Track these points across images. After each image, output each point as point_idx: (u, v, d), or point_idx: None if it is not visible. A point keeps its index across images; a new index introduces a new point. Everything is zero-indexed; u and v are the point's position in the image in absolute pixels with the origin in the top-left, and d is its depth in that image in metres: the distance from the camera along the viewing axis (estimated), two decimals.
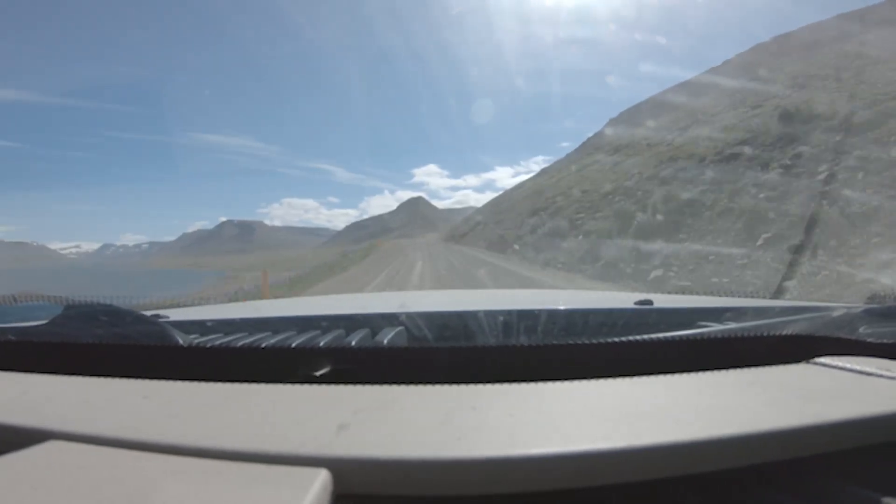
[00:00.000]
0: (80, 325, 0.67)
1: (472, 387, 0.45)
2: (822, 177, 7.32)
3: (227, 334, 0.81)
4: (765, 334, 0.56)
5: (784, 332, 0.56)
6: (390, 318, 0.86)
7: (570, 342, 0.52)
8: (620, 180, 13.91)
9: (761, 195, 7.89)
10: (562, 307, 0.96)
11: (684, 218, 8.85)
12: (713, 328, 0.69)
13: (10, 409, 0.41)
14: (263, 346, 0.66)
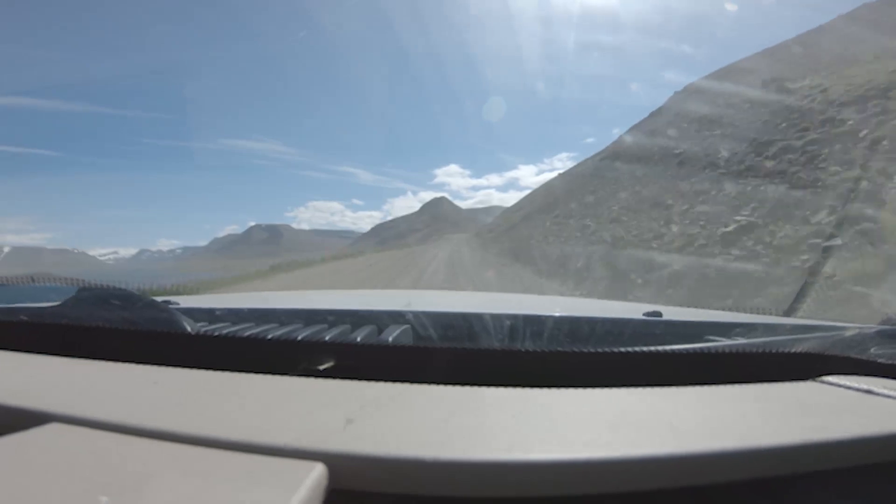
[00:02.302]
0: (91, 308, 0.68)
1: (474, 389, 0.45)
2: (843, 192, 7.29)
3: (234, 323, 0.81)
4: (773, 351, 0.55)
5: (793, 350, 0.56)
6: (396, 316, 0.86)
7: (576, 350, 0.52)
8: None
9: (779, 209, 7.89)
10: (568, 314, 0.95)
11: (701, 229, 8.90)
12: (721, 343, 0.69)
13: (15, 391, 0.42)
14: (269, 337, 0.67)
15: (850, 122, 9.18)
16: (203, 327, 0.72)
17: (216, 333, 0.65)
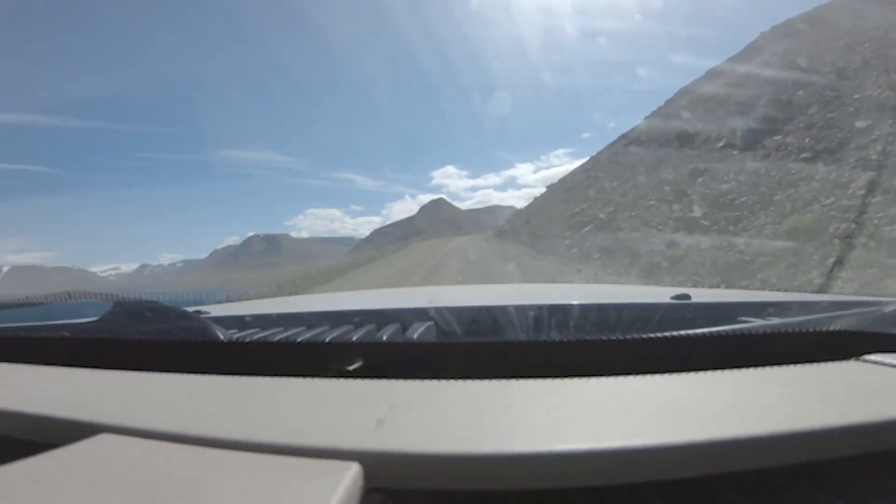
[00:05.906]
0: (128, 322, 0.70)
1: (505, 382, 0.45)
2: (871, 166, 7.20)
3: (263, 329, 0.83)
4: (810, 330, 0.53)
5: (831, 328, 0.54)
6: (419, 313, 0.86)
7: (604, 338, 0.52)
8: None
9: (806, 186, 7.80)
10: (594, 302, 0.94)
11: (723, 211, 8.80)
12: (754, 323, 0.67)
13: (64, 404, 0.43)
14: (299, 340, 0.68)
15: (868, 94, 9.14)
16: (234, 334, 0.74)
17: (247, 340, 0.68)
